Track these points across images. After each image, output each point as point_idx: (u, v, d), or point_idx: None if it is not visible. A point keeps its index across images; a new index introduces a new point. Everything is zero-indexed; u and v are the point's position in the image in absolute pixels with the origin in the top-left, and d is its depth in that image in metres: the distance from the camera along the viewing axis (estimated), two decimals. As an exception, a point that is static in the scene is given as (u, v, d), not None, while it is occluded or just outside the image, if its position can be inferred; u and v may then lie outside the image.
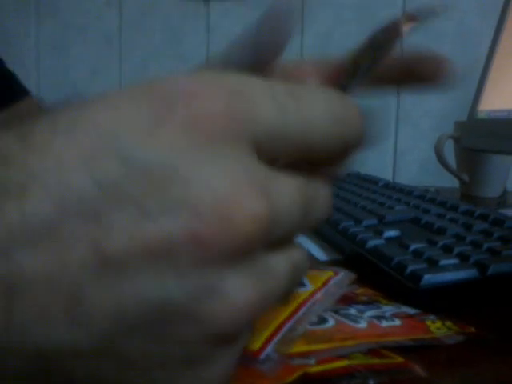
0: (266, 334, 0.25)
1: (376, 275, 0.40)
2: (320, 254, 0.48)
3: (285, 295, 0.18)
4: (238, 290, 0.15)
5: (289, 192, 0.17)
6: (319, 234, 0.55)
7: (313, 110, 0.18)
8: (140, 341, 0.15)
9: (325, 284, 0.30)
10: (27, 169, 0.14)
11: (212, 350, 0.16)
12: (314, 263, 0.45)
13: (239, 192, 0.15)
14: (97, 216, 0.14)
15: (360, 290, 0.36)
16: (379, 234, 0.46)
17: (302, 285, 0.30)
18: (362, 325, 0.28)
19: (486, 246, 0.39)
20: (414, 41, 0.99)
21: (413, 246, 0.41)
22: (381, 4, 1.11)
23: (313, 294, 0.29)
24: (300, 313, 0.27)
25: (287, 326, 0.25)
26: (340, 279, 0.32)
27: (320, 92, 0.19)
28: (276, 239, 0.17)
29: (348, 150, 0.19)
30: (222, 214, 0.15)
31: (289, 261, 0.18)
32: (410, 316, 0.31)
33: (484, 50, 0.75)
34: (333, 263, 0.46)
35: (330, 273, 0.32)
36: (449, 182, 0.98)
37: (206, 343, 0.15)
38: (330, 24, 1.13)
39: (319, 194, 0.19)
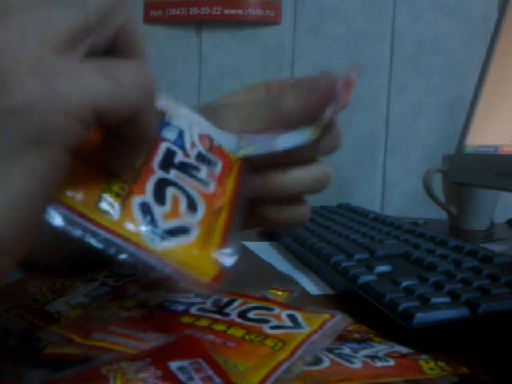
0: (261, 375, 0.25)
1: (368, 311, 0.40)
2: (313, 288, 0.49)
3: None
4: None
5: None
6: (311, 267, 0.55)
7: None
8: None
9: (321, 326, 0.31)
10: None
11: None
12: (307, 298, 0.46)
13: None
14: None
15: (353, 327, 0.36)
16: (371, 269, 0.47)
17: (299, 326, 0.30)
18: (357, 365, 0.28)
19: (476, 283, 0.40)
20: (403, 75, 1.01)
21: (404, 283, 0.41)
22: (370, 37, 1.14)
23: (309, 335, 0.29)
24: (297, 354, 0.27)
25: (283, 367, 0.26)
26: (336, 322, 0.32)
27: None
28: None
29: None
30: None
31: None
32: (403, 356, 0.31)
33: (471, 85, 0.77)
34: (325, 298, 0.46)
35: (326, 315, 0.33)
36: (437, 214, 0.99)
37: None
38: (319, 56, 1.15)
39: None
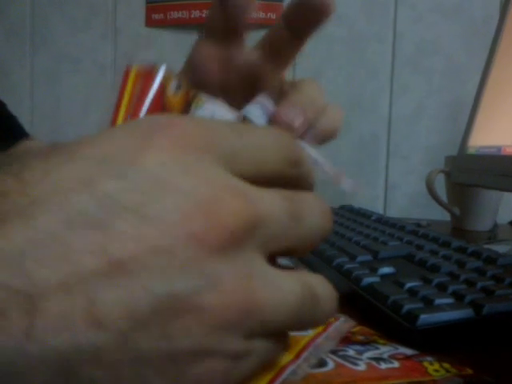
0: (267, 378, 0.25)
1: (372, 313, 0.40)
2: (315, 290, 0.48)
3: (300, 319, 0.20)
4: (231, 281, 0.17)
5: (271, 196, 0.19)
6: (314, 269, 0.55)
7: (260, 135, 0.21)
8: (151, 336, 0.16)
9: (325, 329, 0.31)
10: (26, 197, 0.16)
11: (215, 341, 0.17)
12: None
13: (221, 194, 0.17)
14: (101, 225, 0.16)
15: (357, 329, 0.36)
16: (374, 271, 0.47)
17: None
18: (362, 367, 0.28)
19: (479, 284, 0.40)
20: (405, 77, 1.01)
21: (408, 285, 0.41)
22: (371, 39, 1.14)
23: (314, 338, 0.29)
24: (302, 357, 0.27)
25: (289, 369, 0.26)
26: (340, 324, 0.32)
27: (262, 127, 0.24)
28: (270, 241, 0.19)
29: (295, 167, 0.22)
30: (210, 213, 0.17)
31: (299, 281, 0.20)
32: (408, 357, 0.31)
33: (472, 86, 0.77)
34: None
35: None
36: (440, 215, 0.99)
37: (208, 333, 0.17)
38: (321, 58, 1.15)
39: (309, 203, 0.21)
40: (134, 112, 0.24)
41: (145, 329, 0.16)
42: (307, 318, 0.21)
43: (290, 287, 0.19)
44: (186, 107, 0.26)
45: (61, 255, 0.15)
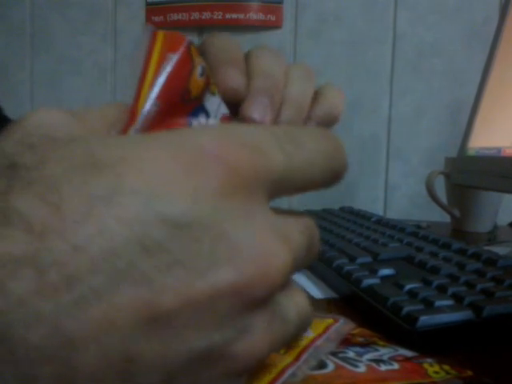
0: (268, 379, 0.25)
1: (372, 315, 0.40)
2: (316, 292, 0.49)
3: (291, 341, 0.21)
4: (261, 329, 0.17)
5: (299, 235, 0.20)
6: (314, 271, 0.55)
7: (310, 151, 0.20)
8: None
9: (325, 331, 0.31)
10: (68, 243, 0.14)
11: (234, 383, 0.17)
12: (310, 302, 0.46)
13: (268, 245, 0.17)
14: (147, 280, 0.15)
15: (356, 330, 0.36)
16: (374, 272, 0.47)
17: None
18: (361, 369, 0.28)
19: (479, 286, 0.40)
20: (405, 78, 1.01)
21: (408, 286, 0.41)
22: (371, 41, 1.14)
23: (314, 340, 0.29)
24: (302, 359, 0.27)
25: (289, 371, 0.26)
26: (340, 326, 0.32)
27: (312, 131, 0.22)
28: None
29: (338, 179, 0.22)
30: (258, 266, 0.17)
31: (295, 306, 0.20)
32: (408, 359, 0.31)
33: (472, 88, 0.77)
34: (328, 302, 0.46)
35: (330, 320, 0.33)
36: (439, 216, 0.99)
37: (232, 378, 0.17)
38: (321, 60, 1.15)
39: (316, 233, 0.21)
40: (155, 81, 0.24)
41: (175, 380, 0.16)
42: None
43: (292, 320, 0.20)
44: (202, 92, 0.25)
45: (102, 313, 0.14)
